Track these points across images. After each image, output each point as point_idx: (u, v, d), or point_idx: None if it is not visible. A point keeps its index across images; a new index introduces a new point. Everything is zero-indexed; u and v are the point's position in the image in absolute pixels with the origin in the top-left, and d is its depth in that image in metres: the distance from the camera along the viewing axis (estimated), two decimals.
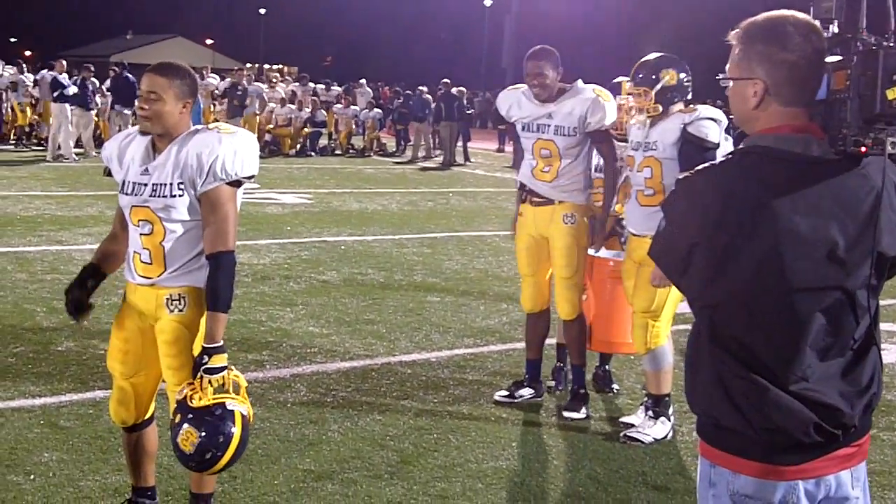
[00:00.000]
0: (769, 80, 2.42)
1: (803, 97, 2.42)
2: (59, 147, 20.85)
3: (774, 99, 2.43)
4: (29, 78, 23.94)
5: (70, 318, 4.27)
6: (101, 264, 4.25)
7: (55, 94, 21.31)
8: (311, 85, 30.61)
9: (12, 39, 71.31)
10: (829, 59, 2.37)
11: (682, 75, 5.80)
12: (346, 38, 78.37)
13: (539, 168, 6.22)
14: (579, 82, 6.22)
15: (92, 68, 22.46)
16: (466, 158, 26.64)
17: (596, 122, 6.07)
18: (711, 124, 5.63)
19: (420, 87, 28.48)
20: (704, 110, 5.73)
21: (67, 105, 21.19)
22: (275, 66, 57.50)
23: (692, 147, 5.60)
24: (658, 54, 5.94)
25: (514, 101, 6.34)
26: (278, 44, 78.72)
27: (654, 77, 5.78)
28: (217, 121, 20.91)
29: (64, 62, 22.92)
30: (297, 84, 31.15)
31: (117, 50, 65.70)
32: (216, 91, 26.20)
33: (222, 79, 27.55)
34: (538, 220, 6.25)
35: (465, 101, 27.95)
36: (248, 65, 51.27)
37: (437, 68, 47.37)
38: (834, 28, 2.42)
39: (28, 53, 50.70)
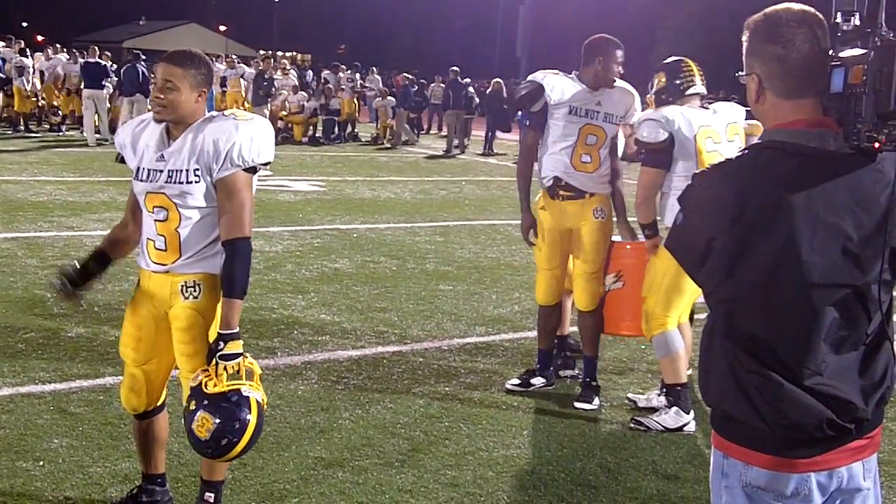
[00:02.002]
0: (762, 74, 2.44)
1: (800, 90, 2.41)
2: (96, 130, 21.31)
3: (769, 92, 2.44)
4: (28, 63, 24.02)
5: (53, 289, 4.24)
6: (108, 250, 4.24)
7: (103, 80, 21.70)
8: (343, 74, 30.49)
9: (24, 24, 71.34)
10: (849, 52, 2.35)
11: (673, 77, 5.95)
12: (360, 26, 78.38)
13: (577, 158, 6.12)
14: None
15: (143, 57, 22.68)
16: (490, 150, 26.46)
17: (634, 115, 6.16)
18: (646, 125, 5.79)
19: (406, 76, 28.80)
20: (646, 113, 5.94)
21: (105, 92, 21.56)
22: (287, 54, 57.49)
23: (644, 149, 5.92)
24: (663, 62, 6.21)
25: (563, 84, 6.14)
26: (292, 31, 78.73)
27: (651, 83, 6.12)
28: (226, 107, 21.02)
29: (97, 48, 23.10)
30: (328, 72, 31.16)
31: (130, 36, 65.84)
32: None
33: (229, 65, 27.53)
34: (565, 215, 6.18)
35: (503, 94, 27.87)
36: (262, 52, 51.24)
37: (451, 57, 47.27)
38: (855, 21, 2.38)
39: (40, 38, 50.71)
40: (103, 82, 21.74)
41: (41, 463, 4.86)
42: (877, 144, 2.27)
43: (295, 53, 66.53)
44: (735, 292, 2.39)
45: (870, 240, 2.34)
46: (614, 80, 6.14)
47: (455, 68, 27.61)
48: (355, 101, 28.72)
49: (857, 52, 2.32)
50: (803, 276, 2.32)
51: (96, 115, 21.63)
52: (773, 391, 2.34)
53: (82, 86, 22.03)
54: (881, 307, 2.38)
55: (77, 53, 24.87)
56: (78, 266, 4.21)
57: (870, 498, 2.50)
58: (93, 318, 7.34)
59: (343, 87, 28.50)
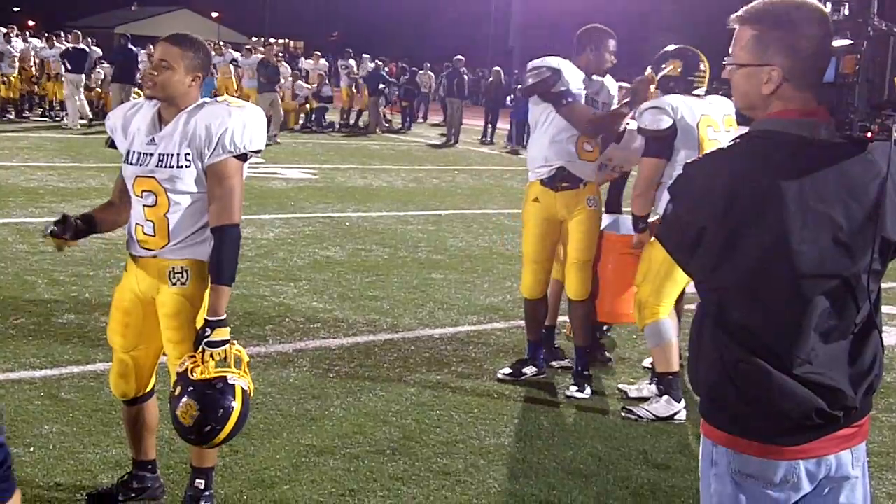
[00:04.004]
0: (786, 66, 2.40)
1: (816, 81, 2.40)
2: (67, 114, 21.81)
3: (791, 84, 2.41)
4: (16, 48, 23.97)
5: (47, 229, 4.18)
6: (97, 218, 4.19)
7: (84, 66, 22.19)
8: (353, 62, 30.42)
9: (16, 9, 70.94)
10: (840, 42, 2.35)
11: (689, 72, 5.93)
12: (353, 13, 78.13)
13: (581, 145, 6.08)
14: None
15: (131, 45, 22.90)
16: (490, 139, 26.44)
17: (617, 102, 6.17)
18: (649, 112, 5.79)
19: (377, 62, 28.92)
20: (648, 101, 5.90)
21: (83, 76, 22.05)
22: (280, 41, 57.24)
23: (645, 138, 5.93)
24: (680, 46, 6.15)
25: (572, 72, 6.04)
26: (284, 18, 78.47)
27: (661, 66, 6.03)
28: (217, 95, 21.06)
29: (79, 33, 23.45)
30: (310, 61, 31.15)
31: (122, 21, 65.55)
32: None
33: (217, 52, 27.49)
34: (559, 206, 6.14)
35: (501, 81, 27.81)
36: (254, 38, 51.05)
37: (444, 46, 47.17)
38: (845, 10, 2.38)
39: (31, 23, 50.49)
40: (85, 67, 22.22)
41: (32, 449, 4.85)
42: (869, 134, 2.27)
43: (288, 40, 66.23)
44: (725, 281, 2.40)
45: (860, 229, 2.35)
46: (607, 70, 6.14)
47: (460, 57, 27.58)
48: (353, 89, 28.70)
49: (847, 42, 2.32)
50: (793, 265, 2.32)
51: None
52: (761, 379, 2.35)
53: (63, 71, 22.27)
54: (870, 297, 2.39)
55: (55, 39, 24.97)
56: (68, 218, 4.15)
57: (858, 486, 2.51)
58: (84, 305, 7.33)
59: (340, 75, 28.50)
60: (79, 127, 21.28)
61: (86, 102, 22.32)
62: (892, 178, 2.37)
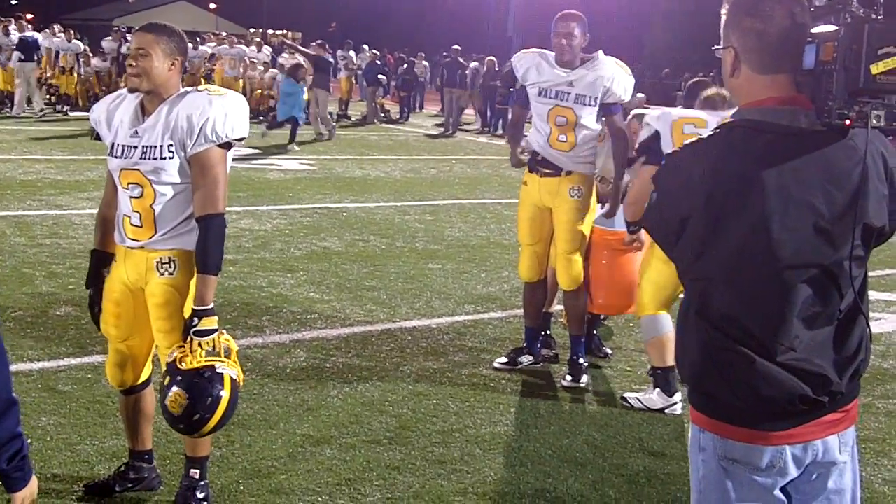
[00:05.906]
0: (739, 48, 2.43)
1: (776, 65, 2.41)
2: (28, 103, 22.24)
3: (745, 66, 2.44)
4: (14, 40, 23.97)
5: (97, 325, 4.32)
6: (106, 244, 4.24)
7: (35, 54, 22.42)
8: (352, 54, 30.40)
9: (14, 2, 70.76)
10: (820, 28, 2.36)
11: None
12: (352, 4, 77.93)
13: (554, 137, 6.11)
14: (600, 53, 6.14)
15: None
16: (490, 129, 26.37)
17: (618, 94, 6.08)
18: (643, 128, 5.79)
19: (374, 52, 28.84)
20: (646, 116, 5.93)
21: (32, 65, 22.22)
22: (278, 32, 57.07)
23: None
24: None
25: (534, 65, 6.15)
26: (282, 8, 78.27)
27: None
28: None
29: (24, 22, 23.92)
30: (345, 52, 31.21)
31: (120, 14, 65.37)
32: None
33: (228, 43, 27.47)
34: (543, 191, 6.19)
35: (495, 71, 27.76)
36: (252, 30, 50.94)
37: (443, 35, 47.02)
38: None
39: (30, 16, 50.38)
40: (34, 56, 22.34)
41: (29, 441, 4.81)
42: (848, 122, 2.28)
43: (286, 31, 66.06)
44: (708, 271, 2.41)
45: (841, 216, 2.35)
46: (569, 56, 6.05)
47: (457, 47, 27.54)
48: (353, 80, 28.67)
49: (829, 28, 2.33)
50: (775, 253, 2.34)
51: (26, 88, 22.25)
52: (745, 367, 2.36)
53: (17, 60, 22.18)
54: (853, 283, 2.40)
55: (73, 32, 24.99)
56: (98, 287, 4.26)
57: (846, 471, 2.52)
58: (81, 297, 7.32)
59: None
60: (23, 115, 21.69)
61: (36, 94, 22.43)
62: (874, 163, 2.38)
